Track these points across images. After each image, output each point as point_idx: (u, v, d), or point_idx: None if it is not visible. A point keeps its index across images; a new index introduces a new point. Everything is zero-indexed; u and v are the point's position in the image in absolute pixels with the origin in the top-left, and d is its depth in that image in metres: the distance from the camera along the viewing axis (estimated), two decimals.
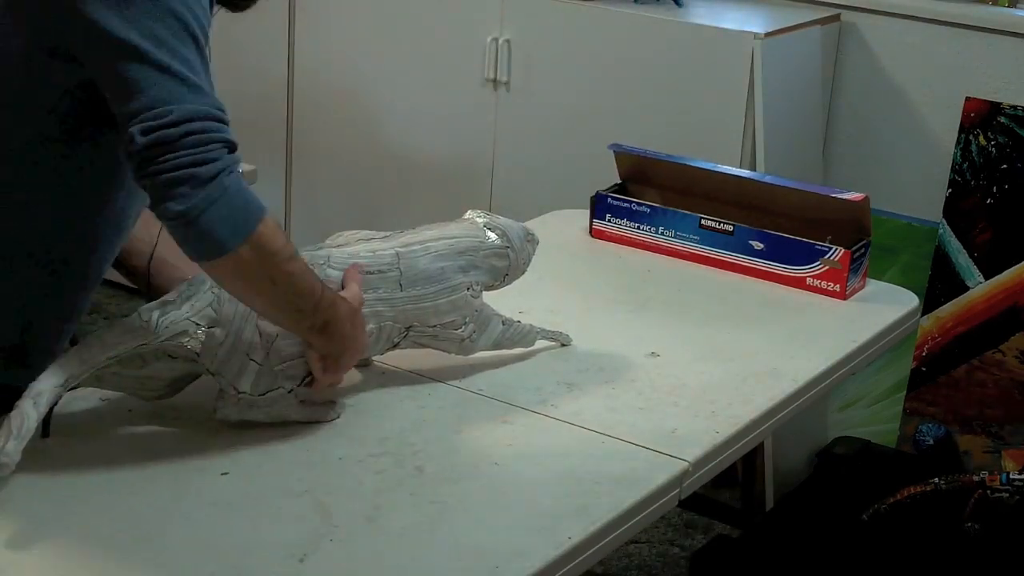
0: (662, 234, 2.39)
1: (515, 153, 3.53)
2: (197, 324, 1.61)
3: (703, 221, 2.34)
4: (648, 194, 2.45)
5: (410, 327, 1.77)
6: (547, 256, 2.06)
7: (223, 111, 1.50)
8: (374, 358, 1.87)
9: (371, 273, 1.72)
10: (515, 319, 1.92)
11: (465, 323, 1.82)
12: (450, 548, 1.46)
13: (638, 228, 2.42)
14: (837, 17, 3.42)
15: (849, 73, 3.45)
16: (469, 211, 1.91)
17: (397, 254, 1.75)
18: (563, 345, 1.99)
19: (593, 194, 2.46)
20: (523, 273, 1.92)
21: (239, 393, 1.63)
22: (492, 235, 1.86)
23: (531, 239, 1.92)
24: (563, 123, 3.44)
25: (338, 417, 1.72)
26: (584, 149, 3.26)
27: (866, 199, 2.27)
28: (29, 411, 1.48)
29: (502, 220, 1.90)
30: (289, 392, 1.67)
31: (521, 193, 3.48)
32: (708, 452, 1.72)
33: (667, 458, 1.68)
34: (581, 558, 1.50)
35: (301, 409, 1.70)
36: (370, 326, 1.71)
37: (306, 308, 1.58)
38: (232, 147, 1.49)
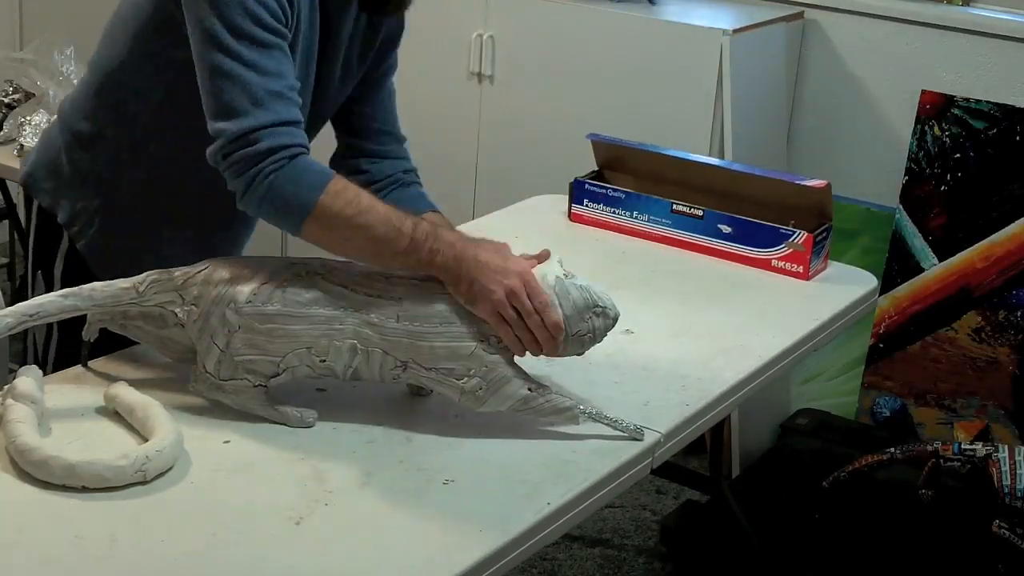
0: (636, 218, 2.39)
1: (499, 142, 3.52)
2: (183, 298, 1.60)
3: (675, 206, 2.34)
4: (623, 180, 2.44)
5: (407, 362, 1.60)
6: (528, 239, 2.05)
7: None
8: None
9: (369, 296, 1.59)
10: (552, 390, 1.64)
11: (469, 375, 1.60)
12: (436, 512, 1.46)
13: (614, 212, 2.41)
14: (801, 15, 3.42)
15: (812, 67, 3.45)
16: (552, 254, 1.66)
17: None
18: (634, 439, 1.65)
19: (572, 180, 2.46)
20: (583, 351, 1.65)
21: (206, 372, 1.60)
22: None
23: (599, 312, 1.62)
24: (544, 114, 3.43)
25: (311, 426, 1.61)
26: (563, 138, 3.25)
27: (828, 186, 2.27)
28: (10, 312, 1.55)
29: (572, 282, 1.61)
30: (255, 387, 1.60)
31: (504, 180, 3.47)
32: (679, 424, 1.72)
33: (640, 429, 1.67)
34: (560, 522, 1.50)
35: (268, 408, 1.61)
36: (350, 342, 1.58)
37: (400, 246, 1.59)
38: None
